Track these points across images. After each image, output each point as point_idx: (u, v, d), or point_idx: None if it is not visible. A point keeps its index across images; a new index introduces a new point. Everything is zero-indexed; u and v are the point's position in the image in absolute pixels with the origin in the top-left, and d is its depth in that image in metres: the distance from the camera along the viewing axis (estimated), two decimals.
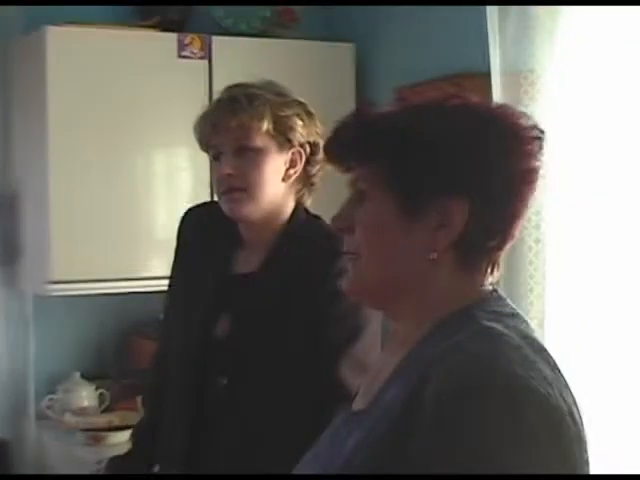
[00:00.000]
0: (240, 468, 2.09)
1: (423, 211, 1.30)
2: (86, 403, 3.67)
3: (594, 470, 1.25)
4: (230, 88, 2.21)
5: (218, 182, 2.18)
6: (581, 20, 2.77)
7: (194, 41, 3.64)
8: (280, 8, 3.88)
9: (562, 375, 1.27)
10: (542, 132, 1.33)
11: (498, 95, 2.91)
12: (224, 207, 2.18)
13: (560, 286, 2.84)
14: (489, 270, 1.35)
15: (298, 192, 2.23)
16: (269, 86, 2.21)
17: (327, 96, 3.08)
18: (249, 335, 2.14)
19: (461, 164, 1.30)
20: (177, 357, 2.26)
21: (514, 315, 1.33)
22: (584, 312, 2.77)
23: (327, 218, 2.21)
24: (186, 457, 2.17)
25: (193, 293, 2.25)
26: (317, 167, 2.23)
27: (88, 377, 3.75)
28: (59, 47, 3.44)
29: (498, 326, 1.27)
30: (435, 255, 1.31)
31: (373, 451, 1.26)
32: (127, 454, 2.46)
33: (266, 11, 3.86)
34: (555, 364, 1.27)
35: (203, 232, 2.32)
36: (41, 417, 3.67)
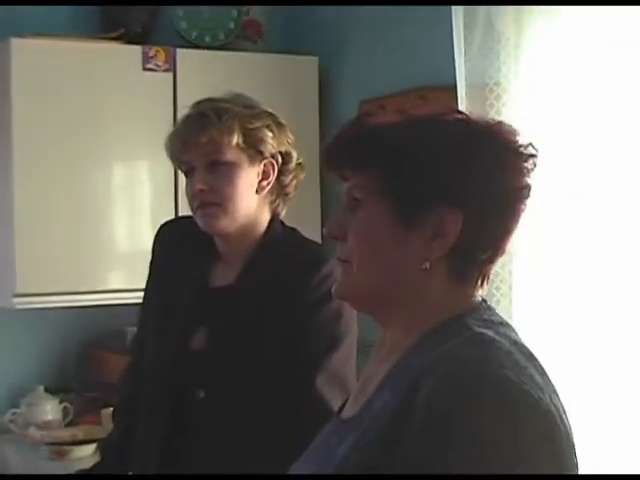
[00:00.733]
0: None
1: (419, 221, 1.32)
2: (50, 417, 3.63)
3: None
4: (198, 103, 2.21)
5: (192, 198, 2.17)
6: (546, 33, 2.80)
7: (159, 54, 3.63)
8: (245, 21, 3.89)
9: (551, 382, 1.29)
10: (537, 150, 1.36)
11: (463, 108, 2.92)
12: (199, 222, 2.17)
13: (528, 298, 2.87)
14: (479, 282, 1.37)
15: (272, 203, 2.23)
16: (237, 99, 2.21)
17: (291, 109, 3.08)
18: (226, 348, 2.14)
19: (456, 176, 1.32)
20: (153, 370, 2.25)
21: (504, 324, 1.35)
22: (552, 321, 2.80)
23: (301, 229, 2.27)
24: (162, 469, 2.16)
25: (169, 307, 2.24)
26: (290, 177, 2.24)
27: (52, 391, 3.72)
28: (24, 59, 3.43)
29: (489, 332, 1.29)
30: (428, 265, 1.32)
31: (363, 459, 1.27)
32: (95, 467, 2.43)
33: (230, 24, 3.87)
34: (544, 371, 1.30)
35: (178, 246, 2.31)
36: (4, 431, 3.63)
